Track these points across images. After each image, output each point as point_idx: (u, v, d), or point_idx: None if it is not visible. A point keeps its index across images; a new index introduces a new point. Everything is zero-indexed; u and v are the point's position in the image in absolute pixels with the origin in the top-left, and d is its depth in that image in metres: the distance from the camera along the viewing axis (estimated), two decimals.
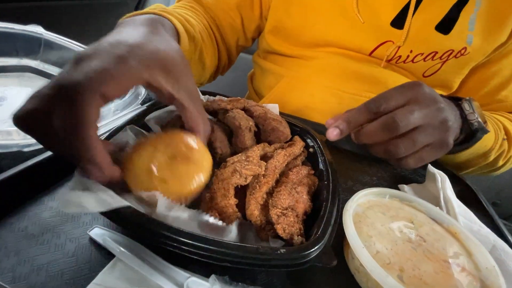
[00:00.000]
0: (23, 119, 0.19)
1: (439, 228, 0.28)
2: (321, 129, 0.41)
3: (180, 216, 0.21)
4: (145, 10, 0.37)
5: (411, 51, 0.46)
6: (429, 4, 0.43)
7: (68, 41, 0.41)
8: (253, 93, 0.61)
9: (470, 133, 0.37)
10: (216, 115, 0.33)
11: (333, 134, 0.33)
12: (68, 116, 0.18)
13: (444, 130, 0.32)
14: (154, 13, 0.34)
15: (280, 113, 0.39)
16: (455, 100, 0.38)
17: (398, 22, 0.45)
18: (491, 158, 0.43)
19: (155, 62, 0.22)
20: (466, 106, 0.36)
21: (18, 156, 0.27)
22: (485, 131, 0.36)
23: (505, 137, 0.43)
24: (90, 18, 0.99)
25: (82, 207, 0.18)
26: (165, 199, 0.21)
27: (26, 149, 0.27)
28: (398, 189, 0.37)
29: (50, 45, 0.40)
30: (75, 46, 0.41)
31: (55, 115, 0.18)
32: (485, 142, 0.40)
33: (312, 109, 0.49)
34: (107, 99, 0.19)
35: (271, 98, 0.52)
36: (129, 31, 0.26)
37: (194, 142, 0.24)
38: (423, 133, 0.31)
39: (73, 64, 0.20)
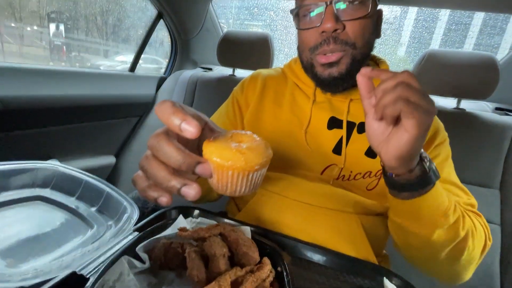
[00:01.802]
0: None
1: None
2: (288, 242, 0.48)
3: None
4: None
5: (351, 172, 0.58)
6: (356, 138, 0.58)
7: (78, 171, 0.50)
8: (233, 204, 0.69)
9: (425, 179, 0.41)
10: (197, 241, 0.40)
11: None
12: None
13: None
14: None
15: (256, 227, 0.47)
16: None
17: (337, 150, 0.58)
18: (450, 219, 0.45)
19: None
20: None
21: None
22: (437, 175, 0.41)
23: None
24: (95, 136, 1.14)
25: None
26: None
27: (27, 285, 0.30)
28: None
29: (62, 176, 0.49)
30: (84, 175, 0.50)
31: None
32: (441, 198, 0.43)
33: (281, 223, 0.56)
34: None
35: (247, 212, 0.60)
36: None
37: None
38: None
39: None
